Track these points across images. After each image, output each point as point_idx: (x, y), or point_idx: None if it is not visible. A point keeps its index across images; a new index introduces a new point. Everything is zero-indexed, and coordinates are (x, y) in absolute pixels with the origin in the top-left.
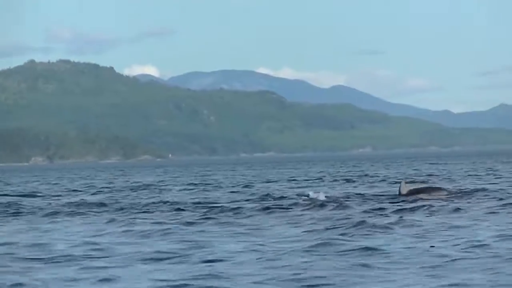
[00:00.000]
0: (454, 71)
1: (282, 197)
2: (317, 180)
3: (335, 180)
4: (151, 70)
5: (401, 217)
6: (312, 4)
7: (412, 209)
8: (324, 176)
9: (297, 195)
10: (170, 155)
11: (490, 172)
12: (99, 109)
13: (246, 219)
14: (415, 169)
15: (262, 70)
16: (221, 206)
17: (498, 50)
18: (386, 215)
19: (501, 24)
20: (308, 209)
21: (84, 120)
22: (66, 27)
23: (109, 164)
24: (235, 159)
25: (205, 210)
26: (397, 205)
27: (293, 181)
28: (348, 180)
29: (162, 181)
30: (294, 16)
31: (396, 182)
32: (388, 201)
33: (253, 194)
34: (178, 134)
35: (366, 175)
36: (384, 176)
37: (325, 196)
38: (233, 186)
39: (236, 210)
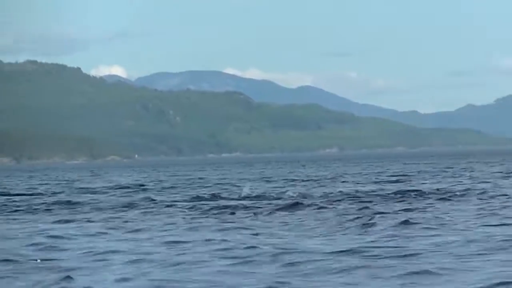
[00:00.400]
0: (421, 72)
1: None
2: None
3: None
4: (118, 71)
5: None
6: (280, 5)
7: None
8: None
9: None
10: (136, 156)
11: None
12: (67, 110)
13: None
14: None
15: (230, 70)
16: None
17: (465, 51)
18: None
19: (468, 25)
20: None
21: (51, 121)
22: (34, 28)
23: (76, 165)
24: (203, 160)
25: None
26: None
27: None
28: None
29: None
30: (262, 17)
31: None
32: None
33: None
34: (145, 134)
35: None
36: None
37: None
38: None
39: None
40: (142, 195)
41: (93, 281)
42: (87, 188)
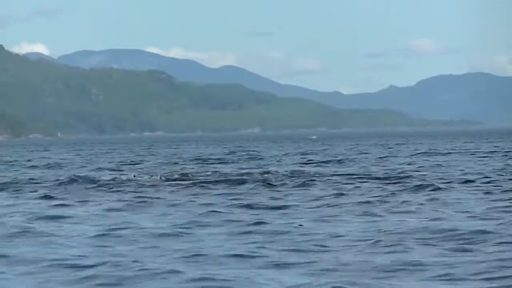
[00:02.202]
0: (344, 53)
1: None
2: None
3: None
4: (41, 48)
5: None
6: None
7: None
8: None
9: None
10: (59, 134)
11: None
12: None
13: None
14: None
15: (152, 49)
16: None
17: (387, 31)
18: None
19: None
20: None
21: None
22: None
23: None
24: (126, 138)
25: None
26: None
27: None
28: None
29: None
30: None
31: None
32: None
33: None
34: (67, 112)
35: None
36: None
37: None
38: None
39: None
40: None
41: None
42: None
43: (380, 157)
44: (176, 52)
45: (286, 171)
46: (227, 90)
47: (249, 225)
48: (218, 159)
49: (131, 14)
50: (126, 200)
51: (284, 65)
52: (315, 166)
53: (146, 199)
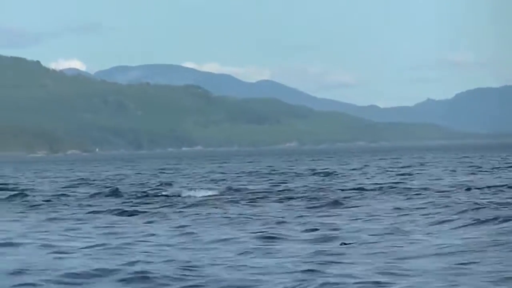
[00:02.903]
0: (381, 66)
1: None
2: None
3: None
4: (78, 64)
5: None
6: None
7: None
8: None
9: None
10: (97, 150)
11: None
12: (25, 102)
13: None
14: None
15: (188, 64)
16: None
17: (424, 44)
18: None
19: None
20: None
21: (10, 114)
22: None
23: (37, 158)
24: (164, 153)
25: None
26: None
27: None
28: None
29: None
30: (221, 10)
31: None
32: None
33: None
34: (104, 128)
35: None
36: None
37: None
38: None
39: None
40: None
41: None
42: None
43: None
44: (211, 67)
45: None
46: (264, 104)
47: None
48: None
49: (167, 29)
50: None
51: (320, 79)
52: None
53: None
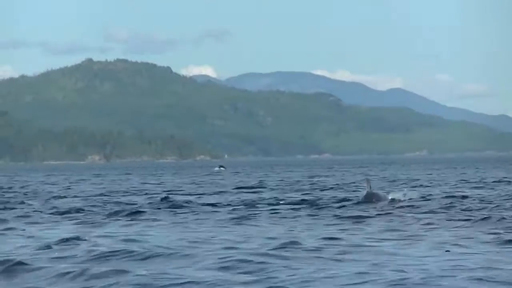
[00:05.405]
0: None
1: None
2: None
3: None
4: (208, 71)
5: None
6: (369, 6)
7: None
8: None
9: None
10: (225, 156)
11: None
12: (156, 109)
13: None
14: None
15: (319, 72)
16: None
17: None
18: None
19: None
20: None
21: (140, 120)
22: (124, 27)
23: (166, 163)
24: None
25: None
26: None
27: None
28: None
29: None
30: (352, 18)
31: None
32: None
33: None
34: (234, 135)
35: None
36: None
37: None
38: None
39: None
40: None
41: None
42: None
43: None
44: (342, 75)
45: None
46: (394, 113)
47: None
48: None
49: (298, 37)
50: None
51: (451, 88)
52: None
53: None
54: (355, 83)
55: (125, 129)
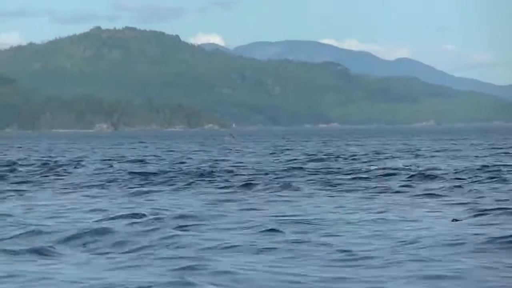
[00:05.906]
0: None
1: None
2: None
3: None
4: (216, 39)
5: None
6: None
7: None
8: None
9: None
10: (233, 125)
11: None
12: (164, 78)
13: None
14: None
15: (327, 41)
16: None
17: None
18: None
19: None
20: None
21: (148, 89)
22: None
23: (175, 132)
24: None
25: None
26: None
27: None
28: None
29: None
30: None
31: None
32: None
33: None
34: (242, 104)
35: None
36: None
37: None
38: None
39: None
40: None
41: None
42: None
43: None
44: (351, 44)
45: None
46: (402, 83)
47: None
48: None
49: (307, 6)
50: None
51: (459, 58)
52: None
53: None
54: (363, 52)
55: (133, 98)
